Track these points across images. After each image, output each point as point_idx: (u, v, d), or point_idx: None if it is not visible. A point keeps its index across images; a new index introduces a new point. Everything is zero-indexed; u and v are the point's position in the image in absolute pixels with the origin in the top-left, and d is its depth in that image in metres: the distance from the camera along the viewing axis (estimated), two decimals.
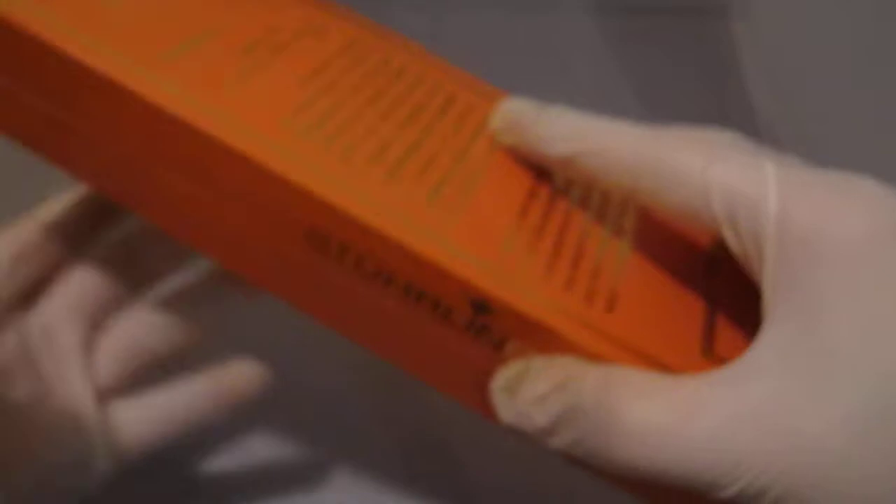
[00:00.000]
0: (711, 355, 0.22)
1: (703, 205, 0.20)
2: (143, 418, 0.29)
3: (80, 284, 0.29)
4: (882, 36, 0.42)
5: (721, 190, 0.20)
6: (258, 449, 0.35)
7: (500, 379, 0.22)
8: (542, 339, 0.21)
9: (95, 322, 0.29)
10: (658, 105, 0.51)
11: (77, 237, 0.29)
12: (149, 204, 0.25)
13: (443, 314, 0.22)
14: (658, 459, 0.19)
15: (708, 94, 0.52)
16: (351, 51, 0.29)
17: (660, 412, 0.19)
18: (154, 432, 0.29)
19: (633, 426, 0.19)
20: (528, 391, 0.21)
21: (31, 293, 0.28)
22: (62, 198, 0.29)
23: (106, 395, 0.28)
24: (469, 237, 0.22)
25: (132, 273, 0.30)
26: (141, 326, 0.29)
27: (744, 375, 0.19)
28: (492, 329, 0.22)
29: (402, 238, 0.21)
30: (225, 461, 0.35)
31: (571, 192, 0.26)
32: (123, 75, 0.22)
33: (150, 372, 0.30)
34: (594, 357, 0.21)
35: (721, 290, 0.25)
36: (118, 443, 0.28)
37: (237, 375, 0.30)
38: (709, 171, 0.20)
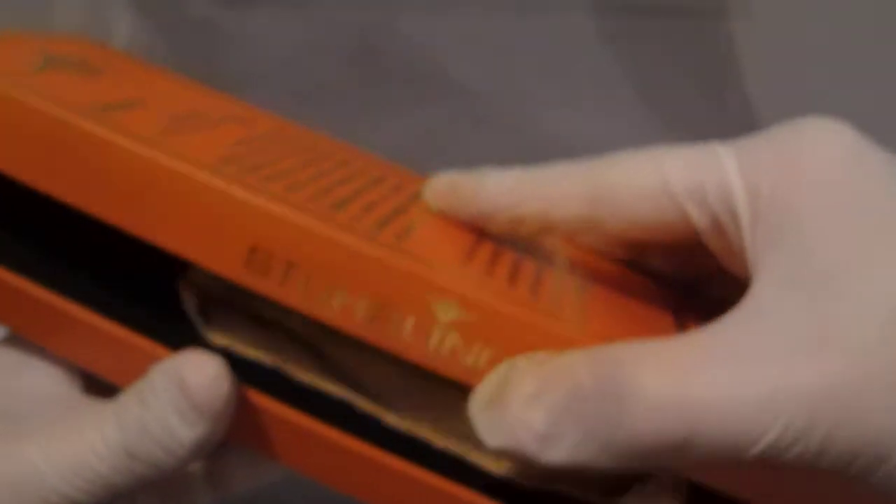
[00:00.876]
0: None
1: (667, 199, 0.20)
2: None
3: None
4: (882, 36, 0.42)
5: (680, 177, 0.20)
6: None
7: (480, 395, 0.19)
8: (516, 337, 0.20)
9: None
10: (658, 105, 0.52)
11: None
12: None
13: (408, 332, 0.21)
14: (682, 427, 0.17)
15: (708, 94, 0.52)
16: (280, 133, 0.30)
17: (671, 374, 0.17)
18: None
19: (646, 396, 0.17)
20: (517, 394, 0.18)
21: None
22: None
23: None
24: (425, 259, 0.22)
25: None
26: None
27: (747, 319, 0.18)
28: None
29: (356, 245, 0.21)
30: None
31: (515, 242, 0.26)
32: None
33: None
34: (572, 346, 0.19)
35: (686, 312, 0.25)
36: None
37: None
38: (663, 166, 0.20)
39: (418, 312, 0.20)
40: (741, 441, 0.17)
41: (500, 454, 0.19)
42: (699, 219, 0.20)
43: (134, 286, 0.29)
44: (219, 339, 0.27)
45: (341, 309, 0.21)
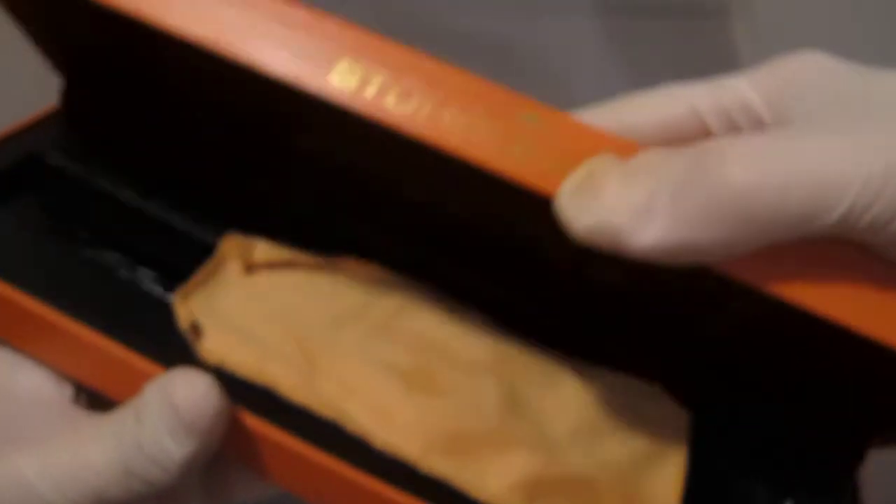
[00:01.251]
0: None
1: (697, 122, 0.23)
2: None
3: None
4: (882, 36, 0.42)
5: (707, 104, 0.23)
6: None
7: (570, 183, 0.20)
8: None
9: None
10: None
11: None
12: None
13: None
14: (775, 191, 0.18)
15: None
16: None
17: (760, 150, 0.19)
18: None
19: (738, 167, 0.19)
20: (612, 176, 0.20)
21: None
22: None
23: None
24: None
25: None
26: None
27: (809, 124, 0.21)
28: None
29: None
30: None
31: None
32: None
33: None
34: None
35: None
36: None
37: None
38: (692, 98, 0.24)
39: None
40: (830, 198, 0.19)
41: (588, 239, 0.20)
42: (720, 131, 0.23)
43: (131, 300, 0.30)
44: (211, 357, 0.28)
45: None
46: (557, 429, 0.28)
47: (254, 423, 0.25)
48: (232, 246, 0.31)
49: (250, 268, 0.31)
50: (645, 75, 0.55)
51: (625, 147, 0.21)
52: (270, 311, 0.29)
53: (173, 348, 0.28)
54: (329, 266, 0.32)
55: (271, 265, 0.31)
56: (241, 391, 0.26)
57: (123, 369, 0.26)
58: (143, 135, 0.33)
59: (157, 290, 0.31)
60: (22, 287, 0.27)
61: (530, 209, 0.22)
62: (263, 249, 0.31)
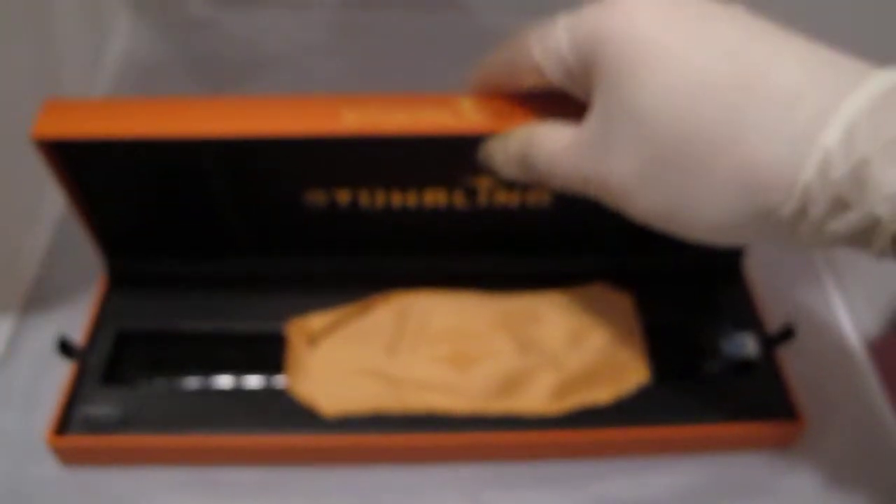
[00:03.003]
0: None
1: (535, 68, 0.30)
2: None
3: None
4: (882, 36, 0.42)
5: (538, 51, 0.30)
6: None
7: (494, 140, 0.33)
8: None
9: None
10: None
11: None
12: None
13: None
14: (545, 168, 0.30)
15: None
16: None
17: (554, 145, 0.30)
18: None
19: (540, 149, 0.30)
20: (498, 144, 0.32)
21: None
22: None
23: None
24: None
25: None
26: None
27: (588, 126, 0.28)
28: None
29: None
30: None
31: None
32: None
33: None
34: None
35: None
36: None
37: None
38: (531, 51, 0.30)
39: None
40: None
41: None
42: (553, 73, 0.29)
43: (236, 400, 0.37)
44: (333, 413, 0.36)
45: None
46: (554, 346, 0.39)
47: (385, 437, 0.35)
48: (295, 329, 0.39)
49: (312, 340, 0.39)
50: None
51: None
52: (345, 363, 0.38)
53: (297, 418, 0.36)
54: (363, 309, 0.40)
55: (326, 329, 0.39)
56: (362, 423, 0.36)
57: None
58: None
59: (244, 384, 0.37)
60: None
61: (476, 155, 0.34)
62: (317, 321, 0.39)
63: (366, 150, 0.34)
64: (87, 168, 0.34)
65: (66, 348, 0.36)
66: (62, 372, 0.36)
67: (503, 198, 0.37)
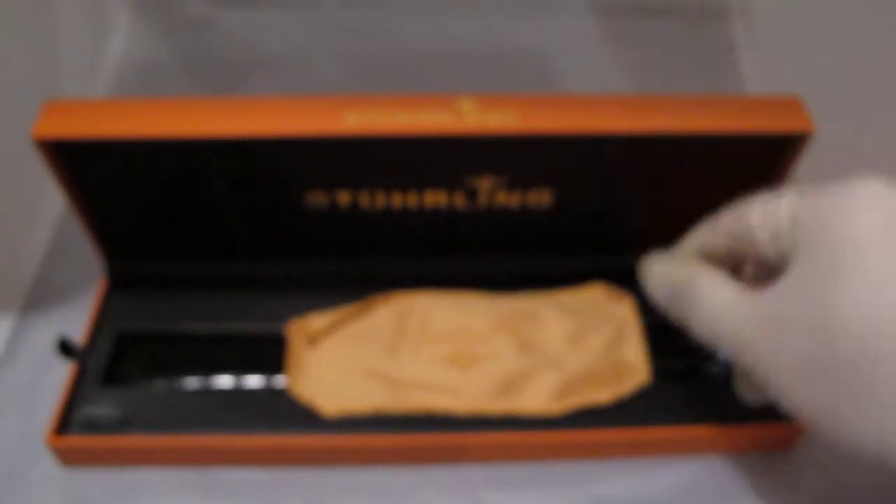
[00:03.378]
0: None
1: (749, 235, 0.30)
2: None
3: None
4: (882, 36, 0.42)
5: (758, 220, 0.29)
6: None
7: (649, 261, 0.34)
8: None
9: None
10: None
11: None
12: None
13: None
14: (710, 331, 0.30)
15: (708, 94, 0.52)
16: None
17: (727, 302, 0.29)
18: None
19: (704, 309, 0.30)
20: (653, 276, 0.34)
21: None
22: None
23: None
24: None
25: None
26: None
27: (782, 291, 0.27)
28: None
29: None
30: None
31: None
32: None
33: None
34: None
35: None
36: None
37: None
38: (749, 218, 0.30)
39: None
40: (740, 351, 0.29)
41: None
42: (765, 247, 0.29)
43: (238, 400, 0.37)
44: (332, 413, 0.36)
45: None
46: (554, 347, 0.38)
47: (385, 437, 0.35)
48: (295, 330, 0.38)
49: (313, 340, 0.38)
50: (645, 75, 0.55)
51: None
52: (345, 364, 0.38)
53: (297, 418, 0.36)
54: (363, 309, 0.40)
55: (326, 330, 0.39)
56: (361, 423, 0.36)
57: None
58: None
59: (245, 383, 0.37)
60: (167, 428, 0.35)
61: (476, 156, 0.35)
62: (317, 321, 0.39)
63: (367, 151, 0.34)
64: (88, 168, 0.34)
65: (66, 349, 0.36)
66: (62, 372, 0.36)
67: (503, 198, 0.37)
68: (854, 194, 0.26)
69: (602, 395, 0.37)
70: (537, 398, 0.36)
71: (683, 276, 0.31)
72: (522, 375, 0.37)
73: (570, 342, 0.38)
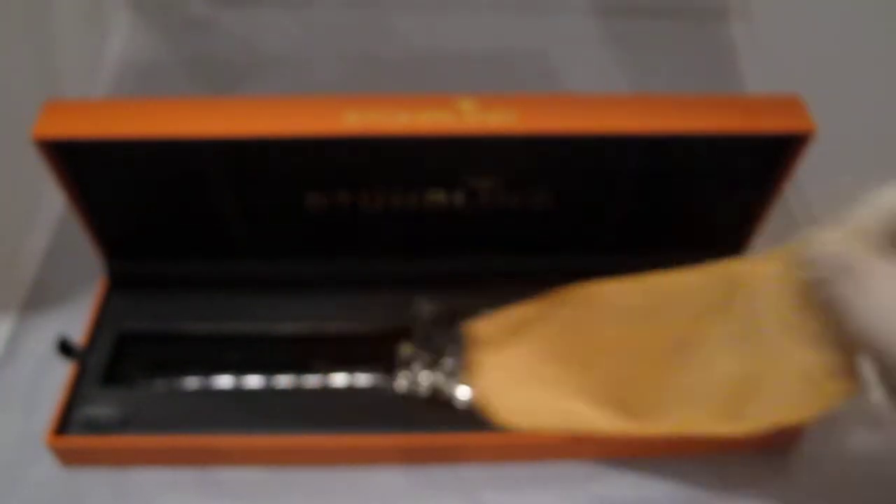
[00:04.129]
0: None
1: None
2: None
3: None
4: (881, 36, 0.42)
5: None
6: None
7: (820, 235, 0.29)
8: None
9: None
10: None
11: None
12: None
13: None
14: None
15: (708, 94, 0.52)
16: None
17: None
18: None
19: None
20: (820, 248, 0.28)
21: None
22: None
23: None
24: None
25: None
26: None
27: None
28: None
29: None
30: None
31: None
32: None
33: None
34: None
35: None
36: None
37: None
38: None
39: None
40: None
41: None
42: None
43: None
44: (514, 424, 0.35)
45: None
46: (730, 364, 0.33)
47: (385, 437, 0.35)
48: (477, 330, 0.38)
49: (494, 342, 0.38)
50: (645, 75, 0.55)
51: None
52: (531, 374, 0.37)
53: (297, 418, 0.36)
54: (543, 309, 0.38)
55: (509, 331, 0.38)
56: (362, 423, 0.35)
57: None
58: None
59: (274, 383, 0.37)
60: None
61: (476, 156, 0.35)
62: (498, 321, 0.38)
63: (367, 151, 0.34)
64: (87, 168, 0.34)
65: (66, 349, 0.36)
66: (62, 372, 0.36)
67: (503, 198, 0.37)
68: None
69: (794, 413, 0.31)
70: (715, 418, 0.33)
71: (860, 257, 0.26)
72: (702, 396, 0.33)
73: (750, 351, 0.33)
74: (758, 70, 0.55)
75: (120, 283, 0.40)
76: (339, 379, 0.37)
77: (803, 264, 0.29)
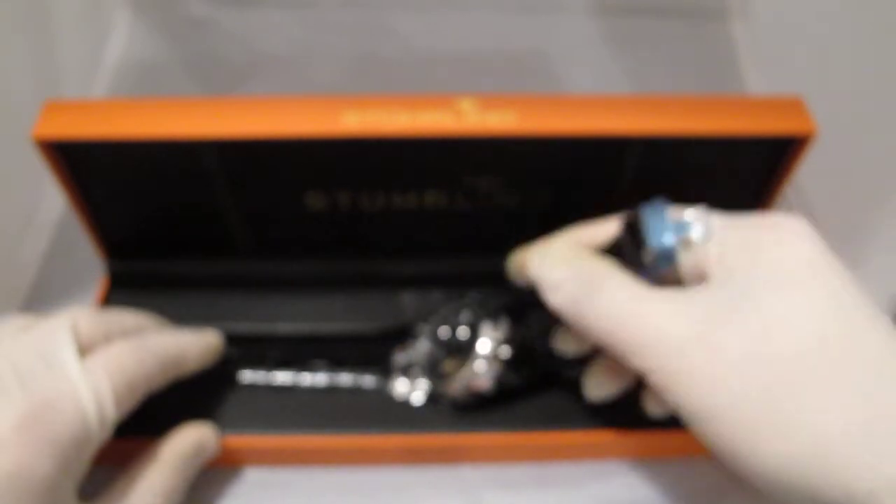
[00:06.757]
0: None
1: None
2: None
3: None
4: (881, 36, 0.42)
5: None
6: None
7: (528, 252, 0.32)
8: None
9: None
10: None
11: None
12: None
13: None
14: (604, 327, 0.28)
15: (709, 94, 0.52)
16: None
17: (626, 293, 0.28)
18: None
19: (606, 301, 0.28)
20: (546, 263, 0.30)
21: None
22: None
23: None
24: None
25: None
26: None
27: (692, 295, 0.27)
28: None
29: None
30: None
31: None
32: None
33: None
34: None
35: None
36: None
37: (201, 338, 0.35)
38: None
39: None
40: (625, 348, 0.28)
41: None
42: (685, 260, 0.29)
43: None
44: None
45: None
46: None
47: (384, 437, 0.35)
48: None
49: None
50: (645, 75, 0.55)
51: None
52: None
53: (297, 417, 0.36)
54: None
55: None
56: (362, 423, 0.35)
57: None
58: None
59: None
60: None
61: (476, 156, 0.35)
62: None
63: (366, 151, 0.34)
64: (87, 168, 0.34)
65: None
66: None
67: (503, 198, 0.37)
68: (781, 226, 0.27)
69: None
70: None
71: (588, 269, 0.29)
72: None
73: None
74: (758, 70, 0.55)
75: (120, 283, 0.40)
76: (338, 379, 0.37)
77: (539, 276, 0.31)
